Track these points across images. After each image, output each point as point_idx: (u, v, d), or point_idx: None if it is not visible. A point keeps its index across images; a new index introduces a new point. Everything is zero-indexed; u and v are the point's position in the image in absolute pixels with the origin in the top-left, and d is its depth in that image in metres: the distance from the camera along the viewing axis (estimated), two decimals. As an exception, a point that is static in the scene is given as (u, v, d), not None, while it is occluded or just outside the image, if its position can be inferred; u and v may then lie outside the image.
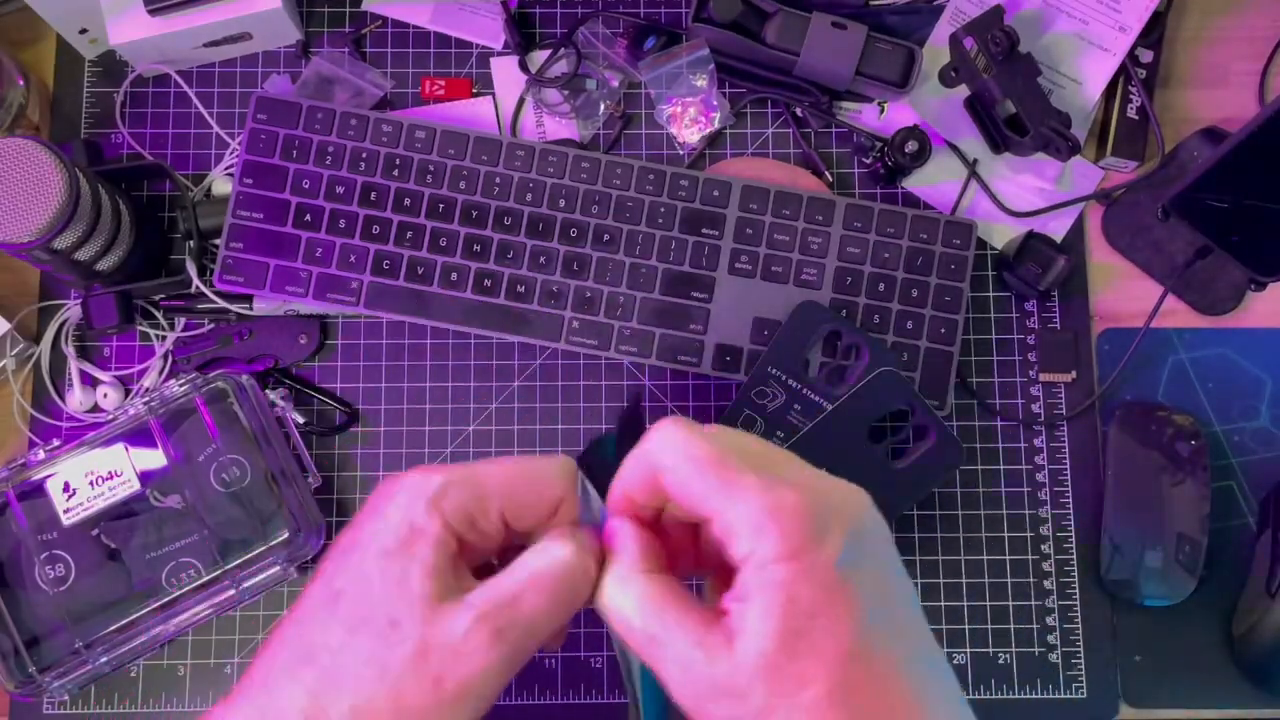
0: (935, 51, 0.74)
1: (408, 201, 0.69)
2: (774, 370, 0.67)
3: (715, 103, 0.73)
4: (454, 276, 0.68)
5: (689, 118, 0.73)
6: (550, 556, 0.36)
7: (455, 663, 0.34)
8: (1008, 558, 0.69)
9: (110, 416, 0.69)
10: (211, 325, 0.71)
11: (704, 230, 0.69)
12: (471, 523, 0.37)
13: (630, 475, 0.37)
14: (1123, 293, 0.73)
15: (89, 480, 0.64)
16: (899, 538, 0.69)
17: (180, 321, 0.71)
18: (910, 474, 0.66)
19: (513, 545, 0.39)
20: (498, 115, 0.74)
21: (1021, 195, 0.74)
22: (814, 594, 0.32)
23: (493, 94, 0.75)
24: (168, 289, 0.70)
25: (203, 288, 0.69)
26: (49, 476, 0.64)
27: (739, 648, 0.32)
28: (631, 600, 0.35)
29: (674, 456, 0.35)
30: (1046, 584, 0.69)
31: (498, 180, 0.69)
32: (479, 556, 0.38)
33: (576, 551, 0.36)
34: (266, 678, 0.35)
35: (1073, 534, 0.70)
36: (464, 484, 0.37)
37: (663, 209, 0.69)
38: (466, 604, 0.35)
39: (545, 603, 0.35)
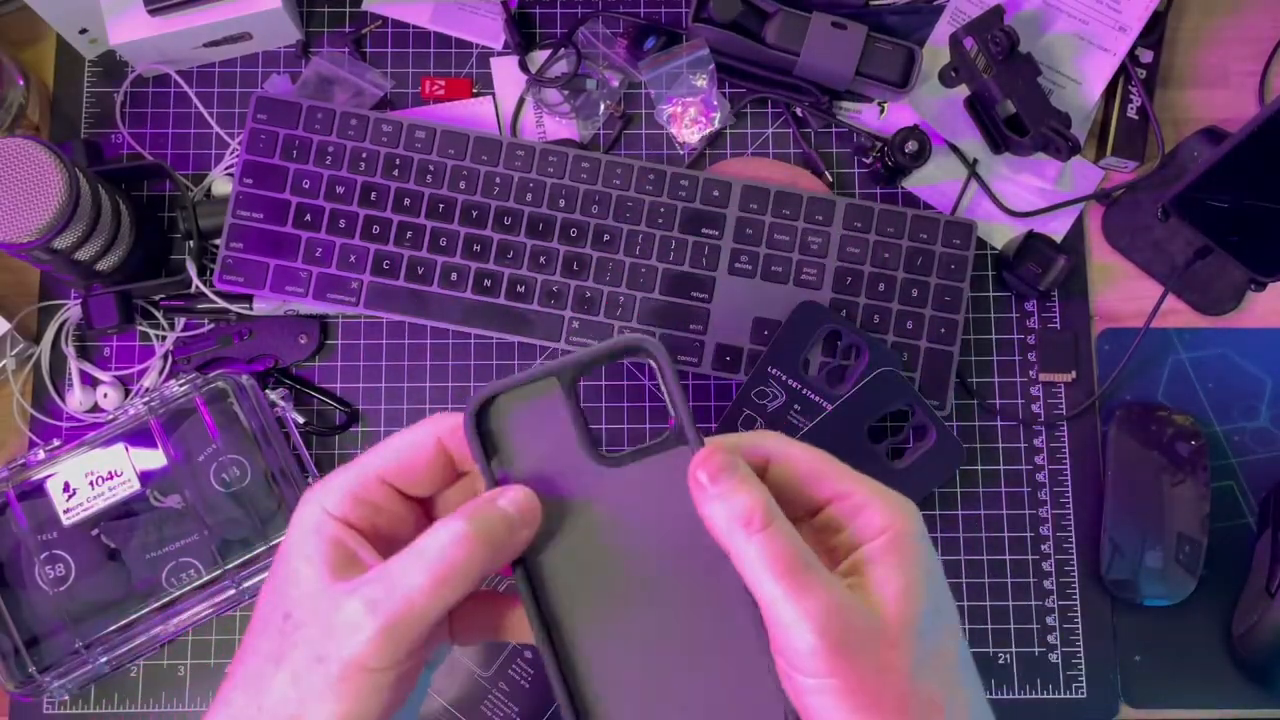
0: (935, 51, 0.74)
1: (408, 201, 0.69)
2: (774, 370, 0.67)
3: (715, 103, 0.73)
4: (454, 276, 0.68)
5: (689, 118, 0.73)
6: (433, 537, 0.35)
7: (335, 641, 0.33)
8: (1008, 558, 0.69)
9: (110, 416, 0.69)
10: (211, 325, 0.71)
11: (704, 230, 0.69)
12: (367, 505, 0.37)
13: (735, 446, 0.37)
14: (1123, 293, 0.73)
15: (89, 480, 0.64)
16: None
17: (180, 321, 0.71)
18: (910, 474, 0.66)
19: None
20: (498, 115, 0.74)
21: (1021, 195, 0.74)
22: (935, 567, 0.37)
23: (493, 94, 0.75)
24: (168, 289, 0.70)
25: (203, 288, 0.69)
26: (49, 476, 0.64)
27: (894, 599, 0.35)
28: (784, 535, 0.34)
29: (794, 446, 0.37)
30: (1046, 584, 0.69)
31: (498, 180, 0.69)
32: (402, 534, 0.37)
33: (463, 533, 0.34)
34: (221, 695, 0.37)
35: (1073, 534, 0.70)
36: (344, 472, 0.37)
37: (663, 209, 0.69)
38: (348, 586, 0.34)
39: (425, 580, 0.34)
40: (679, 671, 0.36)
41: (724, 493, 0.35)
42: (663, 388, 0.38)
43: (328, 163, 0.69)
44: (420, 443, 0.37)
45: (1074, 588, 0.69)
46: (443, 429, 0.37)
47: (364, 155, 0.69)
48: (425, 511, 0.39)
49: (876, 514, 0.36)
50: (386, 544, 0.37)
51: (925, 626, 0.35)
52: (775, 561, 0.33)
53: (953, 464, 0.67)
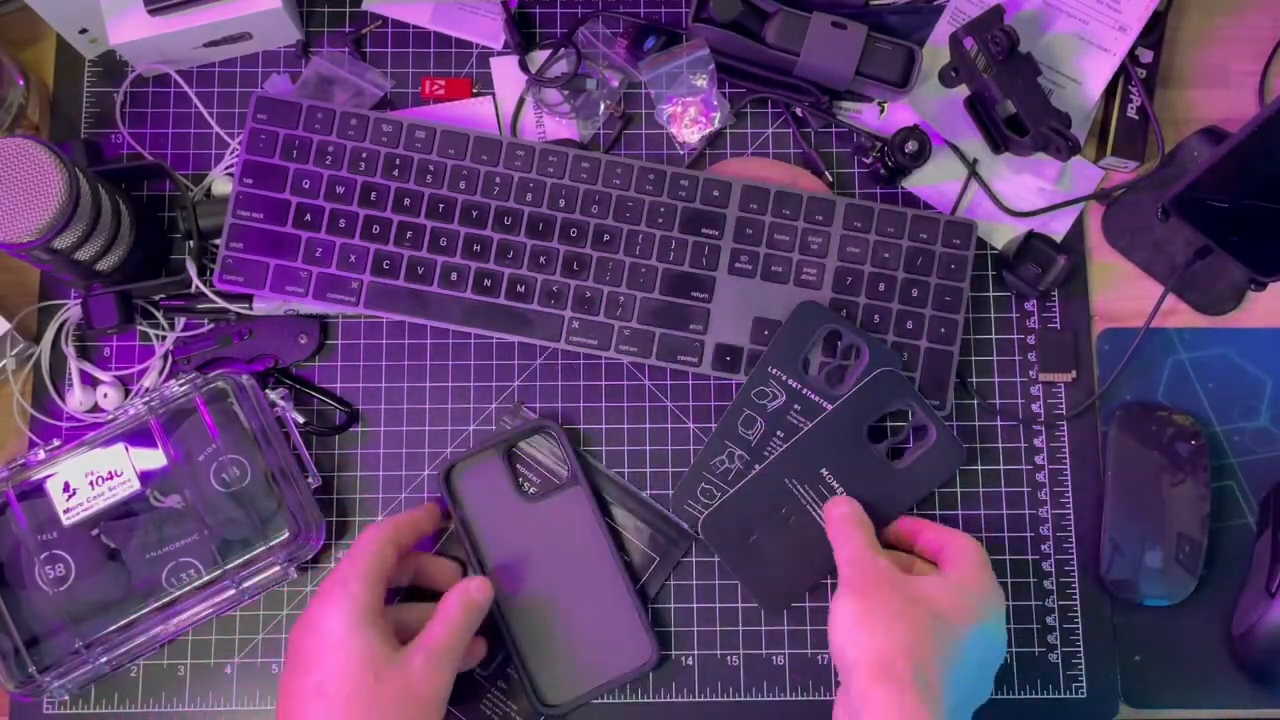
0: (935, 51, 0.74)
1: (408, 201, 0.69)
2: (774, 370, 0.67)
3: (715, 103, 0.73)
4: (454, 276, 0.68)
5: (689, 118, 0.73)
6: (467, 596, 0.61)
7: (421, 687, 0.57)
8: (1008, 557, 0.69)
9: (110, 416, 0.69)
10: (211, 325, 0.71)
11: (704, 230, 0.69)
12: (389, 557, 0.61)
13: (935, 540, 0.63)
14: (1123, 293, 0.73)
15: (89, 480, 0.64)
16: (899, 538, 0.69)
17: (180, 321, 0.71)
18: (910, 474, 0.66)
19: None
20: (498, 115, 0.74)
21: (1021, 195, 0.74)
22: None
23: (493, 94, 0.75)
24: (168, 289, 0.70)
25: (203, 288, 0.69)
26: (49, 476, 0.64)
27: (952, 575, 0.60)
28: (856, 515, 0.63)
29: (913, 519, 0.66)
30: (1046, 584, 0.69)
31: (498, 180, 0.69)
32: (402, 559, 0.63)
33: (481, 588, 0.62)
34: None
35: (1073, 534, 0.70)
36: (368, 569, 0.60)
37: (663, 209, 0.69)
38: (419, 647, 0.58)
39: (464, 630, 0.60)
40: (581, 623, 0.66)
41: (843, 502, 0.65)
42: (563, 451, 0.68)
43: (328, 163, 0.69)
44: (415, 518, 0.65)
45: (1074, 588, 0.69)
46: (389, 534, 0.62)
47: (364, 155, 0.69)
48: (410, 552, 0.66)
49: (958, 551, 0.61)
50: (393, 577, 0.62)
51: (939, 618, 0.58)
52: (844, 521, 0.62)
53: (953, 464, 0.67)
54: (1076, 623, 0.69)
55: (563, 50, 0.74)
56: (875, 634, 0.55)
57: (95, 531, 0.64)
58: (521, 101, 0.74)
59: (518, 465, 0.69)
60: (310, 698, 0.55)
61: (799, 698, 0.68)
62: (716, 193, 0.69)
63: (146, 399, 0.66)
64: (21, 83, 0.71)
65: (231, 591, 0.65)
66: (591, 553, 0.67)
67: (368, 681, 0.55)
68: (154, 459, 0.65)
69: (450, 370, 0.71)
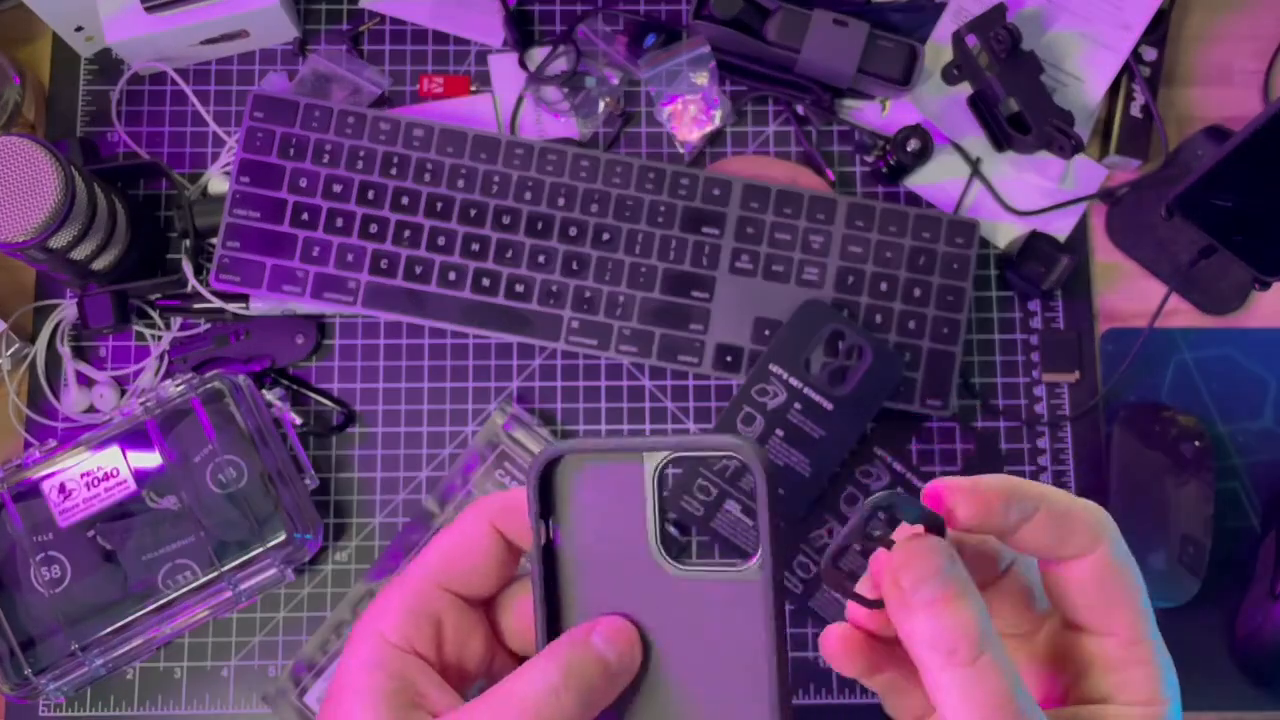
0: (937, 49, 0.73)
1: (406, 200, 0.68)
2: (775, 368, 0.66)
3: (716, 100, 0.73)
4: (452, 276, 0.68)
5: (689, 116, 0.73)
6: (521, 684, 0.30)
7: None
8: (1010, 559, 0.69)
9: (106, 417, 0.69)
10: (208, 325, 0.70)
11: (704, 229, 0.69)
12: (430, 622, 0.32)
13: (1064, 512, 0.31)
14: (1126, 292, 0.73)
15: (85, 481, 0.64)
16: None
17: (176, 321, 0.70)
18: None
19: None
20: (496, 113, 0.74)
21: (1025, 194, 0.73)
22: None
23: (491, 92, 0.74)
24: (164, 288, 0.70)
25: (199, 287, 0.69)
26: (45, 477, 0.64)
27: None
28: (997, 672, 0.28)
29: (1124, 549, 0.32)
30: (1049, 586, 0.69)
31: (496, 179, 0.69)
32: (470, 650, 0.34)
33: (555, 685, 0.29)
34: None
35: (1076, 535, 0.69)
36: (399, 586, 0.33)
37: (663, 208, 0.69)
38: None
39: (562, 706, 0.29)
40: None
41: (926, 604, 0.28)
42: (756, 503, 0.32)
43: (325, 161, 0.68)
44: (472, 535, 0.33)
45: (1077, 589, 0.68)
46: (493, 511, 0.33)
47: (362, 153, 0.69)
48: (488, 616, 0.34)
49: (1149, 681, 0.31)
50: (455, 667, 0.33)
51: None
52: (975, 708, 0.27)
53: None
54: (1079, 625, 0.68)
55: (562, 48, 0.74)
56: None
57: (91, 533, 0.64)
58: (520, 99, 0.74)
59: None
60: None
61: (797, 700, 0.67)
62: (717, 191, 0.69)
63: (142, 399, 0.65)
64: (17, 81, 0.70)
65: (228, 593, 0.64)
66: (738, 674, 0.32)
67: None
68: (150, 460, 0.64)
69: (449, 370, 0.71)
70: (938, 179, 0.73)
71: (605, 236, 0.68)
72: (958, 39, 0.69)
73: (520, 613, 0.34)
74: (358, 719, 0.30)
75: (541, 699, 0.29)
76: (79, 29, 0.71)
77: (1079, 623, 0.31)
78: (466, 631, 0.33)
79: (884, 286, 0.69)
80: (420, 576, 0.33)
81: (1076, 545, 0.30)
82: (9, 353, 0.69)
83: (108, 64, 0.74)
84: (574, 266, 0.68)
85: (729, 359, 0.68)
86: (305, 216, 0.68)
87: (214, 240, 0.69)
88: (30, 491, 0.64)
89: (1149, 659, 0.31)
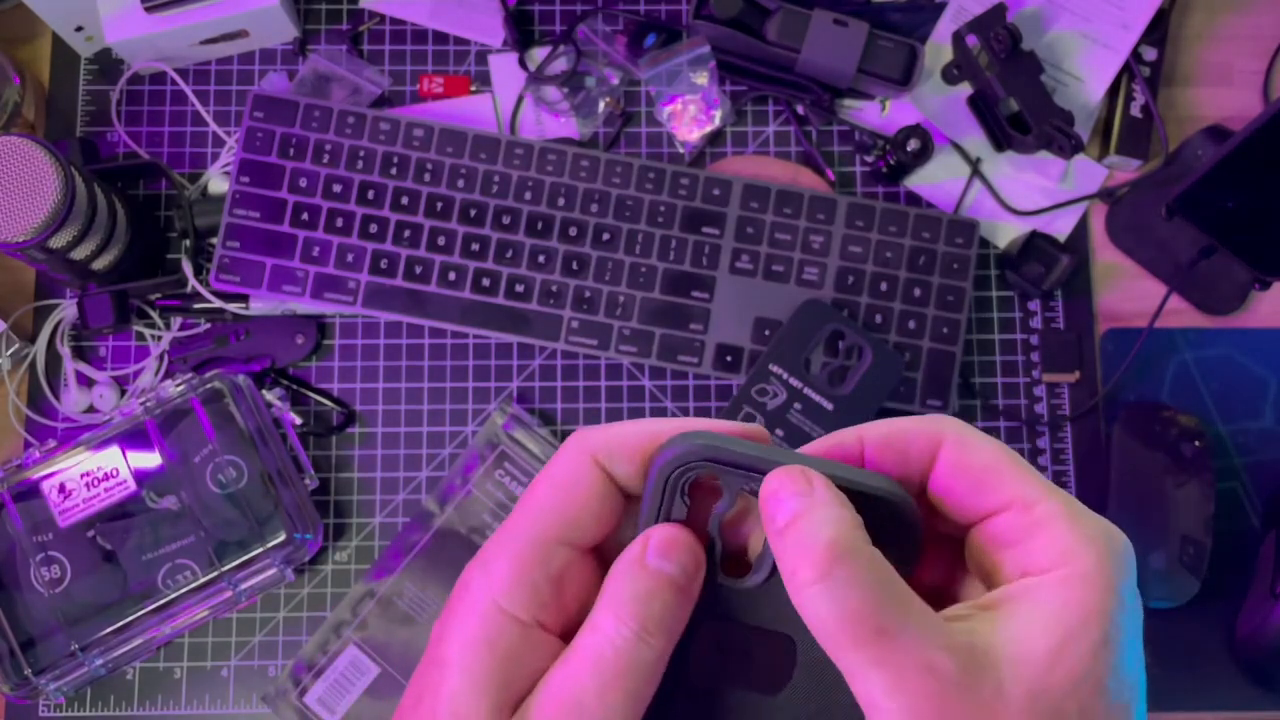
0: (937, 49, 0.73)
1: (406, 200, 0.68)
2: (775, 368, 0.66)
3: (716, 100, 0.73)
4: (452, 276, 0.68)
5: (689, 115, 0.73)
6: (593, 640, 0.27)
7: None
8: (1010, 559, 0.69)
9: (106, 417, 0.69)
10: (208, 325, 0.70)
11: (704, 229, 0.69)
12: (549, 584, 0.28)
13: (889, 433, 0.28)
14: (1126, 292, 0.73)
15: (85, 481, 0.64)
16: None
17: (176, 321, 0.70)
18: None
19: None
20: (496, 113, 0.74)
21: (1025, 194, 0.73)
22: (1121, 638, 0.26)
23: (491, 91, 0.74)
24: (164, 288, 0.70)
25: (199, 287, 0.69)
26: (45, 477, 0.64)
27: (1033, 661, 0.25)
28: (863, 579, 0.25)
29: (974, 435, 0.28)
30: (1049, 586, 0.69)
31: (496, 178, 0.69)
32: (590, 605, 0.28)
33: (620, 632, 0.26)
34: None
35: (1076, 535, 0.69)
36: (512, 541, 0.28)
37: (663, 207, 0.69)
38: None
39: (596, 686, 0.26)
40: None
41: (778, 532, 0.26)
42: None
43: (325, 161, 0.68)
44: (580, 474, 0.29)
45: (1077, 589, 0.68)
46: (596, 446, 0.29)
47: (362, 153, 0.69)
48: (601, 563, 0.29)
49: (1059, 537, 0.26)
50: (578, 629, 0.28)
51: (1071, 711, 0.25)
52: (826, 625, 0.25)
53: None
54: (1079, 625, 0.68)
55: (562, 47, 0.74)
56: None
57: (91, 533, 0.64)
58: (520, 99, 0.74)
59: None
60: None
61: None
62: (717, 191, 0.69)
63: (142, 399, 0.65)
64: (17, 81, 0.70)
65: (228, 593, 0.64)
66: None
67: None
68: (150, 460, 0.64)
69: (448, 370, 0.71)
70: (938, 179, 0.73)
71: (605, 236, 0.68)
72: (958, 39, 0.69)
73: None
74: (464, 706, 0.26)
75: (620, 646, 0.26)
76: (79, 29, 0.71)
77: (970, 521, 0.28)
78: (586, 584, 0.28)
79: (884, 286, 0.68)
80: (535, 529, 0.28)
81: (919, 455, 0.28)
82: (9, 353, 0.69)
83: (108, 64, 0.74)
84: (574, 266, 0.68)
85: (729, 359, 0.68)
86: (305, 216, 0.68)
87: (214, 240, 0.69)
88: (30, 491, 0.64)
89: (1053, 516, 0.26)
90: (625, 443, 0.29)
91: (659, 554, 0.27)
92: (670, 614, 0.27)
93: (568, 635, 0.28)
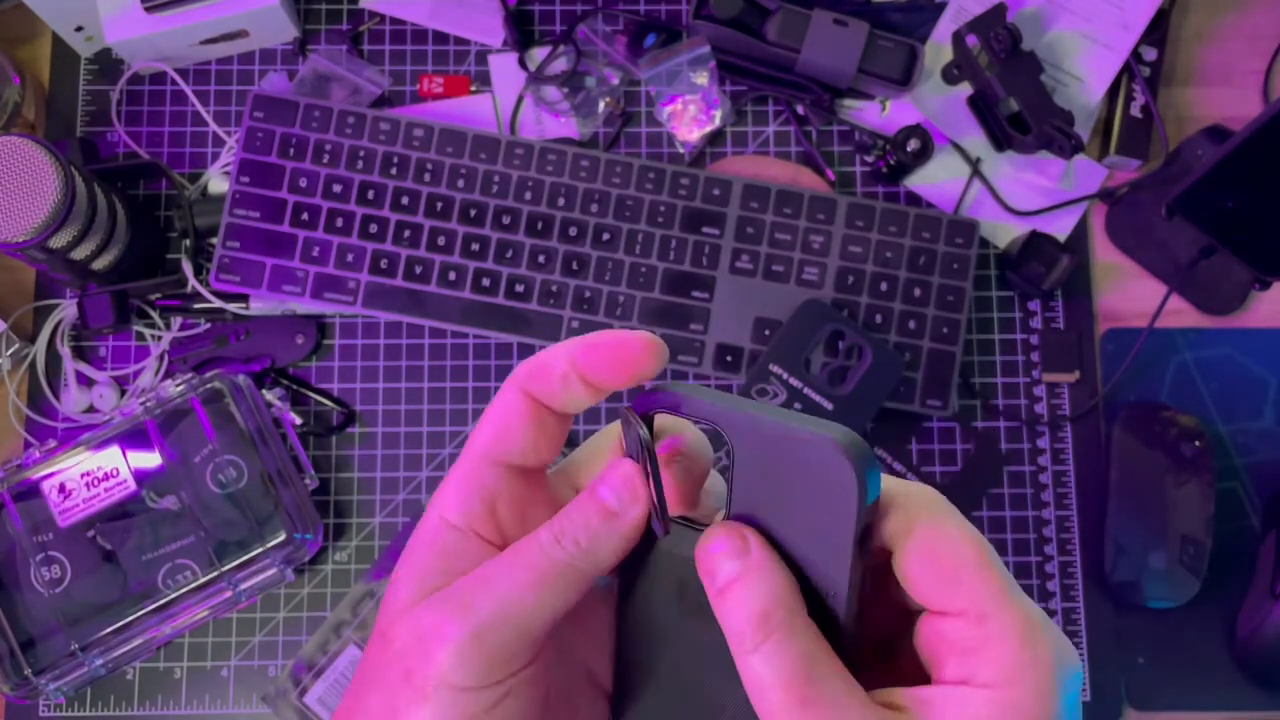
0: (937, 49, 0.73)
1: (406, 200, 0.68)
2: (775, 367, 0.66)
3: (716, 100, 0.73)
4: (452, 276, 0.68)
5: (689, 115, 0.73)
6: (525, 542, 0.30)
7: (418, 656, 0.29)
8: (1011, 559, 0.69)
9: (106, 417, 0.69)
10: (208, 325, 0.70)
11: (704, 229, 0.69)
12: (486, 499, 0.31)
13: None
14: (1126, 292, 0.73)
15: (85, 481, 0.64)
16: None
17: (176, 321, 0.70)
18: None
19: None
20: (496, 113, 0.74)
21: (1025, 194, 0.73)
22: None
23: (491, 91, 0.74)
24: (164, 288, 0.70)
25: (199, 287, 0.69)
26: (45, 477, 0.64)
27: None
28: (792, 651, 0.26)
29: (951, 525, 0.28)
30: (1050, 585, 0.69)
31: (496, 178, 0.69)
32: (534, 500, 0.32)
33: (549, 542, 0.30)
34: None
35: (1076, 536, 0.69)
36: (456, 466, 0.32)
37: (663, 207, 0.69)
38: (439, 595, 0.30)
39: (519, 591, 0.29)
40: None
41: (718, 593, 0.28)
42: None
43: (325, 161, 0.68)
44: (509, 403, 0.32)
45: (1077, 590, 0.68)
46: (522, 377, 0.32)
47: (362, 153, 0.69)
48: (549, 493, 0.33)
49: (1007, 658, 0.26)
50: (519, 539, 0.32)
51: None
52: (761, 690, 0.26)
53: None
54: (1080, 625, 0.68)
55: (562, 47, 0.74)
56: None
57: (91, 533, 0.64)
58: (520, 99, 0.74)
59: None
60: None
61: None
62: (717, 191, 0.69)
63: (142, 399, 0.65)
64: (17, 81, 0.70)
65: (228, 593, 0.64)
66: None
67: (374, 639, 0.32)
68: (150, 460, 0.64)
69: (449, 370, 0.71)
70: (938, 179, 0.73)
71: (605, 236, 0.68)
72: (958, 39, 0.69)
73: (588, 478, 0.32)
74: (399, 594, 0.31)
75: (547, 551, 0.29)
76: (79, 29, 0.71)
77: (927, 608, 0.28)
78: (527, 503, 0.32)
79: (884, 286, 0.68)
80: (470, 454, 0.32)
81: (895, 525, 0.28)
82: (9, 353, 0.69)
83: (108, 64, 0.74)
84: (574, 266, 0.68)
85: (729, 359, 0.68)
86: (305, 216, 0.68)
87: (214, 240, 0.69)
88: (30, 491, 0.64)
89: (1004, 634, 0.27)
90: (541, 369, 0.32)
91: (606, 485, 0.30)
92: (601, 538, 0.30)
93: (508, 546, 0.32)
